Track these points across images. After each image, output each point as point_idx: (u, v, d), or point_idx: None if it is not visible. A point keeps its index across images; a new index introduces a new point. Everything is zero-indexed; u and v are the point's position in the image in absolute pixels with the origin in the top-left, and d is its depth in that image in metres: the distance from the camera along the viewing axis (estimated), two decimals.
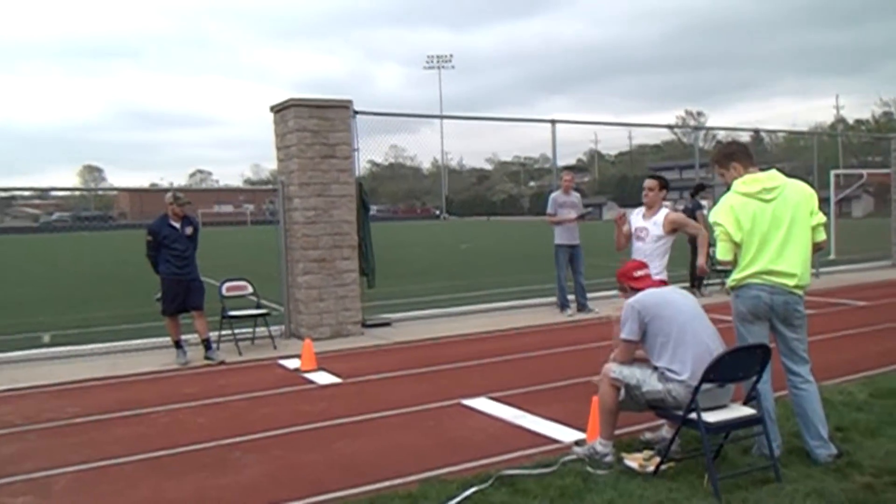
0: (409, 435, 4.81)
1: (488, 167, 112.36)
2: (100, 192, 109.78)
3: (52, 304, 13.70)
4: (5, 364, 7.51)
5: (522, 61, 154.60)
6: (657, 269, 5.62)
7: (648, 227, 5.81)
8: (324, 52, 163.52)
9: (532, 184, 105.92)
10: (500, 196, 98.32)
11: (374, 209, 10.22)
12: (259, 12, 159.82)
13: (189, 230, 7.49)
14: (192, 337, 7.67)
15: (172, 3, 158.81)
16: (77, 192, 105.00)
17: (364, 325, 8.95)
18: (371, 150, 9.35)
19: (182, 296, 7.36)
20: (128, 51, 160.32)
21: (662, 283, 5.51)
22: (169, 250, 7.34)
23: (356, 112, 9.01)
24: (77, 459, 4.48)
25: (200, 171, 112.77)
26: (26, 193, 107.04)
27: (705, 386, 3.64)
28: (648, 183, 5.89)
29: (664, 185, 5.93)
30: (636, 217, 5.98)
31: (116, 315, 11.19)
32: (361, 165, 9.27)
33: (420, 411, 5.36)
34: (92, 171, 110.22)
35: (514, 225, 56.26)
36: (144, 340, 8.23)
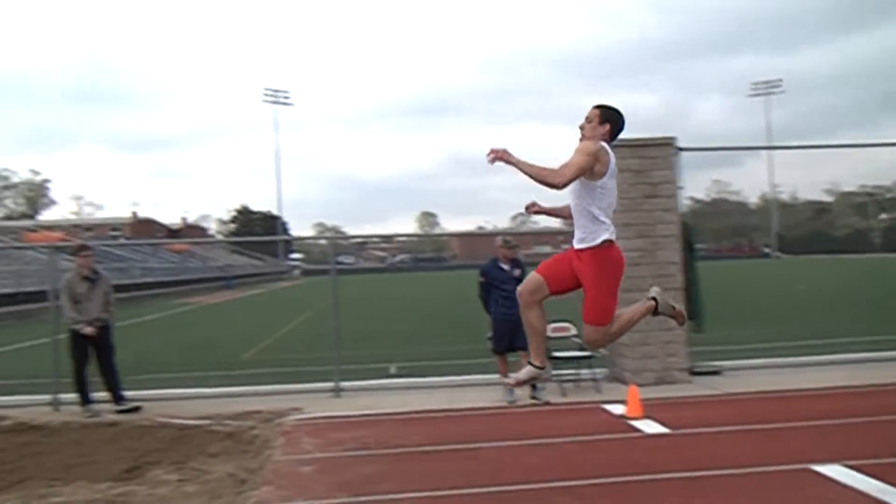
0: (750, 499, 4.37)
1: (828, 199, 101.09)
2: (434, 237, 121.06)
3: (397, 337, 15.31)
4: (361, 391, 8.50)
5: (864, 78, 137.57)
6: (581, 233, 4.23)
7: None
8: (636, 90, 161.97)
9: (883, 216, 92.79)
10: (843, 231, 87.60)
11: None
12: (570, 57, 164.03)
13: (517, 272, 7.83)
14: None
15: (490, 57, 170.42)
16: (415, 237, 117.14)
17: (692, 373, 8.47)
18: (692, 187, 8.97)
19: (510, 335, 7.67)
20: (455, 106, 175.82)
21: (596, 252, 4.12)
22: (499, 291, 7.74)
23: (679, 149, 8.70)
24: (421, 486, 4.85)
25: (521, 214, 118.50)
26: (375, 239, 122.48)
27: None
28: (588, 113, 4.28)
29: (609, 118, 4.23)
30: None
31: (450, 350, 12.09)
32: (682, 203, 8.90)
33: (760, 473, 4.85)
34: (428, 217, 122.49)
35: (863, 263, 49.51)
36: (476, 376, 8.73)
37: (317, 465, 5.46)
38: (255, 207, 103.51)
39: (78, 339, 7.77)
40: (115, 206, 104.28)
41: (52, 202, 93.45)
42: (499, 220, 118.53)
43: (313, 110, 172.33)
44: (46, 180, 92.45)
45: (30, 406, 8.01)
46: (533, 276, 4.47)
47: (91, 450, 6.11)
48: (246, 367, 11.83)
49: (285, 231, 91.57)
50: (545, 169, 4.05)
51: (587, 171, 4.11)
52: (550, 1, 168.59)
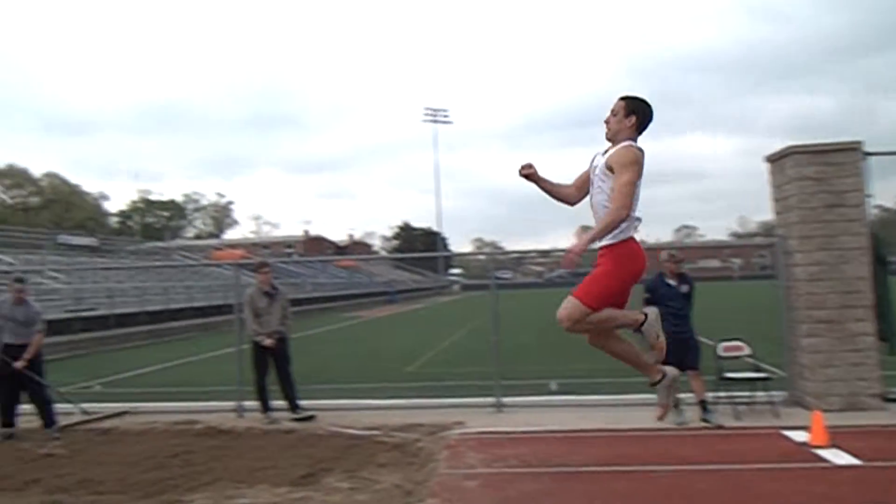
0: None
1: None
2: (593, 251, 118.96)
3: (557, 352, 15.12)
4: (522, 408, 8.47)
5: None
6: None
7: (598, 168, 4.21)
8: (810, 92, 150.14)
9: None
10: None
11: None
12: (733, 60, 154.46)
13: (685, 288, 7.51)
14: (688, 396, 7.58)
15: (644, 63, 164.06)
16: None
17: (885, 399, 7.69)
18: (880, 195, 8.15)
19: (679, 354, 7.34)
20: None
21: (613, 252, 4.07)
22: (666, 308, 7.40)
23: (866, 153, 7.98)
24: None
25: (685, 227, 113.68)
26: (533, 254, 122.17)
27: None
28: (613, 105, 4.19)
29: (635, 109, 4.13)
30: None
31: (613, 368, 11.75)
32: (870, 212, 8.14)
33: None
34: (586, 231, 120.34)
35: None
36: (641, 396, 8.42)
37: (480, 479, 5.50)
38: (416, 224, 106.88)
39: (259, 350, 8.36)
40: (289, 225, 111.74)
41: (235, 222, 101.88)
42: (661, 233, 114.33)
43: (471, 127, 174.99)
44: (230, 202, 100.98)
45: (217, 412, 8.71)
46: None
47: (271, 455, 6.52)
48: (409, 380, 12.17)
49: (445, 247, 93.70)
50: (608, 216, 4.12)
51: (638, 180, 4.12)
52: (709, 3, 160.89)
